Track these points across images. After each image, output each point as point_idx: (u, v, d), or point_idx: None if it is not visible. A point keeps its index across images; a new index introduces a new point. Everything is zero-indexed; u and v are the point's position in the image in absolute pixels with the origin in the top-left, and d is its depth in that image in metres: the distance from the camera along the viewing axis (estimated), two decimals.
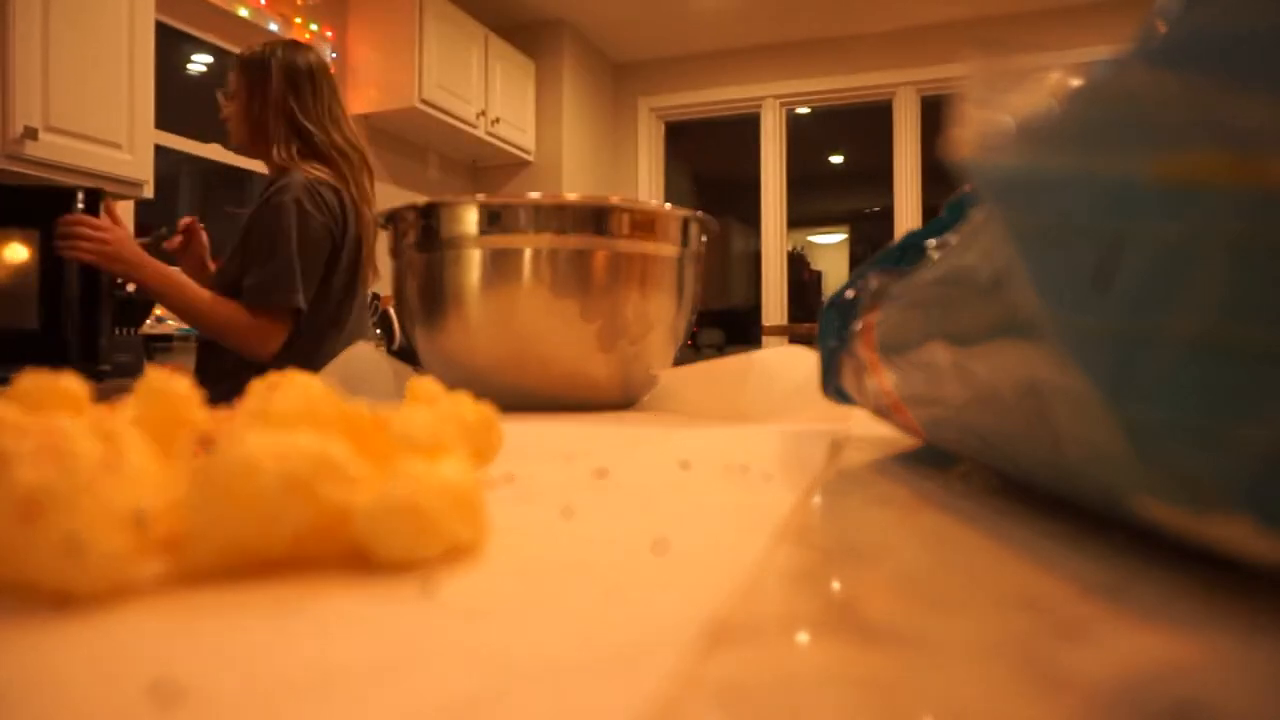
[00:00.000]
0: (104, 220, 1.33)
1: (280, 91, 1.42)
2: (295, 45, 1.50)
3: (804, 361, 0.61)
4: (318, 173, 1.41)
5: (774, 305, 4.42)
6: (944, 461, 0.34)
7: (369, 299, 1.59)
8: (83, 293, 1.52)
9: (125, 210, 2.16)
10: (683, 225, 0.71)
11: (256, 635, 0.13)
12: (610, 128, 4.58)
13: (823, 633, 0.14)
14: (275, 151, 1.44)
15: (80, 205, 1.43)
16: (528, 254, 0.65)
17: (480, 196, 0.80)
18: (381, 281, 1.32)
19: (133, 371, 1.74)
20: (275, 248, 1.35)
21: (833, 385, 0.41)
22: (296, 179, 1.38)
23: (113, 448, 0.16)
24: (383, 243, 0.75)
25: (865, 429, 0.47)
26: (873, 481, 0.31)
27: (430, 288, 0.68)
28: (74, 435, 0.16)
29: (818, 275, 6.74)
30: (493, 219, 0.66)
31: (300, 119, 1.43)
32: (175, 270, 1.41)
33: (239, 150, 1.50)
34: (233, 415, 0.21)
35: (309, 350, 1.40)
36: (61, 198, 1.44)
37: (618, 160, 4.60)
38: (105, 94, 2.02)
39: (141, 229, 2.06)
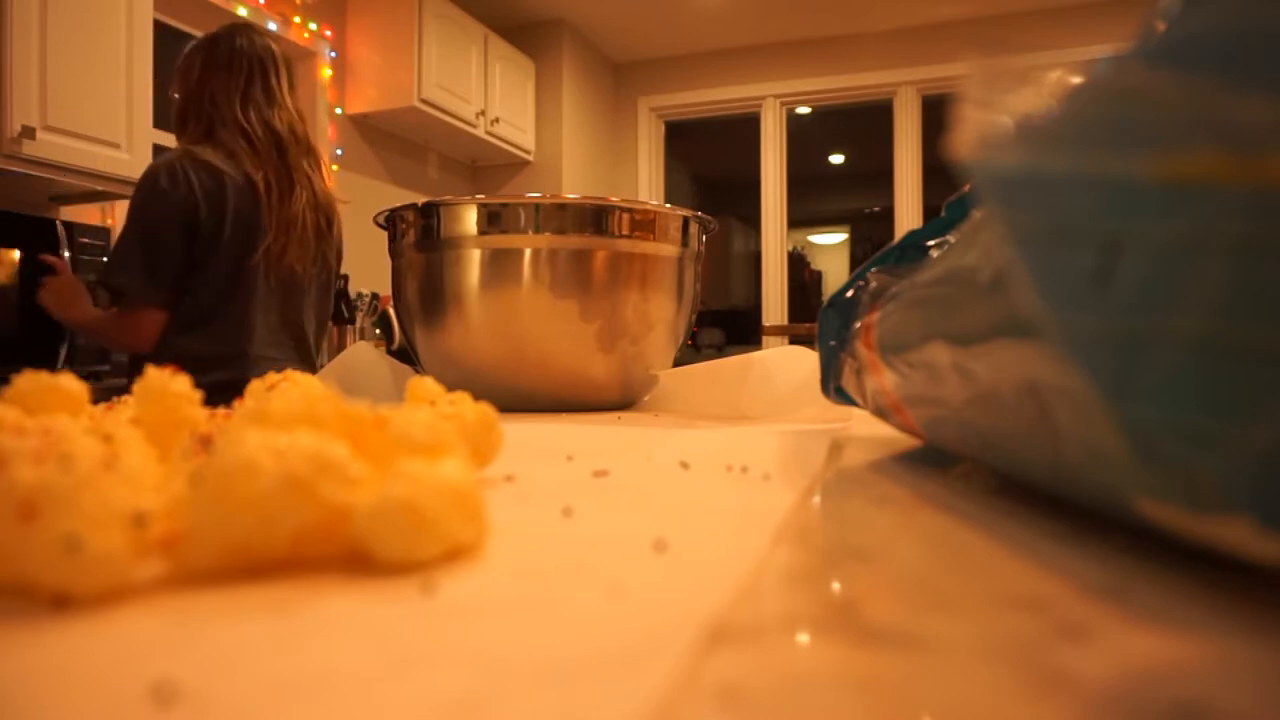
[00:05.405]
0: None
1: (200, 78, 1.36)
2: (231, 31, 1.41)
3: (804, 361, 0.61)
4: (203, 153, 1.32)
5: (774, 305, 4.42)
6: (944, 461, 0.34)
7: (315, 292, 1.47)
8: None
9: (123, 209, 2.17)
10: (683, 225, 0.71)
11: (256, 636, 0.13)
12: (610, 127, 4.58)
13: (823, 633, 0.14)
14: (183, 135, 1.39)
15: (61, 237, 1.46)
16: (527, 254, 0.65)
17: (480, 196, 0.79)
18: (381, 281, 1.29)
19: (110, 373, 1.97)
20: (121, 234, 1.31)
21: (833, 385, 0.41)
22: (163, 158, 1.32)
23: (111, 447, 0.16)
24: (382, 243, 0.75)
25: (865, 429, 0.47)
26: (873, 481, 0.31)
27: (430, 288, 0.68)
28: (72, 435, 0.16)
29: (818, 275, 6.74)
30: (492, 219, 0.66)
31: (212, 103, 1.35)
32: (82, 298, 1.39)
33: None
34: (231, 415, 0.21)
35: (176, 343, 1.31)
36: (41, 227, 1.47)
37: (618, 160, 4.60)
38: (103, 93, 2.02)
39: None
